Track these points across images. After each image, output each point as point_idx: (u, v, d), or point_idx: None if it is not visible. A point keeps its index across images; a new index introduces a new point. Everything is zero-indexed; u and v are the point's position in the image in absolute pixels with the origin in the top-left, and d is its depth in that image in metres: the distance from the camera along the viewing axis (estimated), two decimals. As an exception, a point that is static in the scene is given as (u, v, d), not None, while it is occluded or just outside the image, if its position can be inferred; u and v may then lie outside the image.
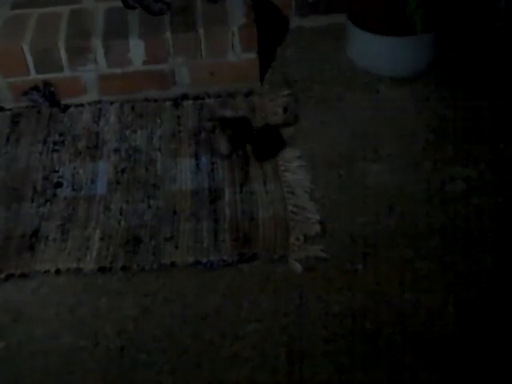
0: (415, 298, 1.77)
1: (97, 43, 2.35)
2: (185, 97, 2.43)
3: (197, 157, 2.19)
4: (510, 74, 2.42)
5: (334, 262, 1.87)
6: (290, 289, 1.82)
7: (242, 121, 2.12)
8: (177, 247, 1.93)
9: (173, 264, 1.89)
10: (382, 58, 2.43)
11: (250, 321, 1.76)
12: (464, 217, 1.97)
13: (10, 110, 2.42)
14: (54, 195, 2.10)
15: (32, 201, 2.09)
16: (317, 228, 1.95)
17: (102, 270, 1.89)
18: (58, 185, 2.14)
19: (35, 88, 2.40)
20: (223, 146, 2.09)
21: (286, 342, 1.70)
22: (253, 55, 2.40)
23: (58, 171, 2.18)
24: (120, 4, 2.51)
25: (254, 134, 2.09)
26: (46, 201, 2.09)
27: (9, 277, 1.89)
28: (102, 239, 1.96)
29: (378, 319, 1.74)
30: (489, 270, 1.83)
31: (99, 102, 2.43)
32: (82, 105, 2.42)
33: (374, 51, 2.43)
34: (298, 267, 1.86)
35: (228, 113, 2.13)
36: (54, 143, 2.28)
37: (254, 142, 2.09)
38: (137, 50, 2.36)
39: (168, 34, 2.36)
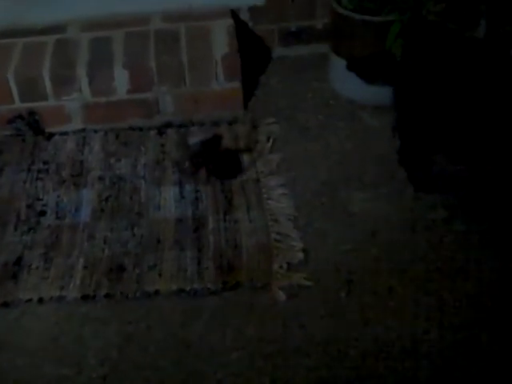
0: (398, 326, 1.78)
1: (81, 72, 2.37)
2: (169, 125, 2.45)
3: (181, 185, 2.20)
4: (489, 101, 2.45)
5: (318, 290, 1.87)
6: (273, 317, 1.82)
7: (209, 142, 2.22)
8: (160, 275, 1.93)
9: (156, 292, 1.89)
10: (364, 87, 2.45)
11: (233, 349, 1.75)
12: (446, 244, 1.99)
13: (-6, 138, 2.43)
14: (38, 223, 2.10)
15: (15, 229, 2.09)
16: (300, 256, 1.95)
17: (85, 298, 1.89)
18: (42, 213, 2.13)
19: (20, 116, 2.41)
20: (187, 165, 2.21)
21: (269, 371, 1.70)
22: (236, 84, 2.43)
23: (41, 199, 2.18)
24: (104, 33, 2.53)
25: (217, 156, 2.20)
26: (30, 229, 2.08)
27: (-9, 306, 1.88)
28: (85, 267, 1.96)
29: (362, 347, 1.74)
30: (471, 297, 1.84)
31: (83, 130, 2.45)
32: (66, 133, 2.44)
33: (356, 80, 2.46)
34: (282, 295, 1.86)
35: (195, 139, 2.23)
36: (38, 171, 2.28)
37: (216, 163, 2.20)
38: (121, 79, 2.39)
39: (152, 63, 2.38)
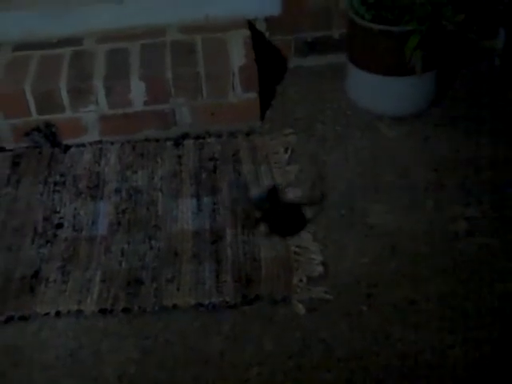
0: (421, 340, 1.75)
1: (98, 85, 2.37)
2: (186, 136, 2.44)
3: (198, 197, 2.18)
4: (508, 111, 2.43)
5: (338, 304, 1.85)
6: (293, 331, 1.80)
7: (270, 195, 2.06)
8: (178, 289, 1.91)
9: (174, 306, 1.87)
10: (382, 98, 2.44)
11: (253, 364, 1.73)
12: (467, 257, 1.96)
13: (11, 150, 2.42)
14: (55, 236, 2.09)
15: (32, 242, 2.08)
16: (320, 269, 1.93)
17: (102, 312, 1.87)
18: (59, 226, 2.12)
19: (37, 129, 2.41)
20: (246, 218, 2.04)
21: (290, 386, 1.68)
22: (253, 95, 2.41)
23: (58, 212, 2.17)
24: (121, 45, 2.53)
25: (278, 210, 2.04)
26: (47, 242, 2.07)
27: (9, 319, 1.87)
28: (102, 281, 1.95)
29: (383, 362, 1.71)
30: (496, 311, 1.81)
31: (100, 142, 2.44)
32: (83, 145, 2.43)
33: (373, 91, 2.45)
34: (301, 309, 1.84)
35: (256, 192, 2.05)
36: (55, 184, 2.28)
37: (278, 218, 2.03)
38: (138, 90, 2.38)
39: (169, 75, 2.38)
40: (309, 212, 2.10)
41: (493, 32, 2.57)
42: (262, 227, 2.00)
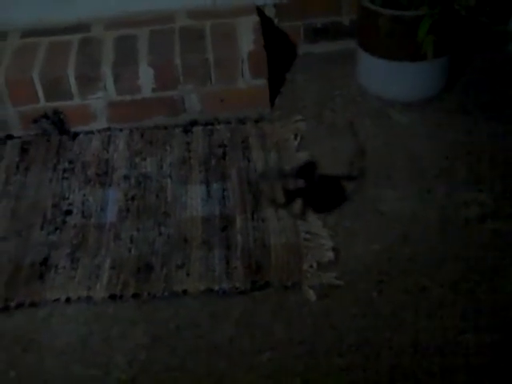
0: (432, 326, 1.74)
1: (106, 71, 2.35)
2: (194, 123, 2.42)
3: (207, 183, 2.17)
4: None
5: (349, 290, 1.84)
6: (303, 317, 1.79)
7: (305, 169, 1.98)
8: (188, 275, 1.90)
9: (185, 292, 1.86)
10: (393, 84, 2.42)
11: (263, 350, 1.72)
12: (479, 242, 1.94)
13: (19, 138, 2.42)
14: (64, 223, 2.08)
15: (42, 229, 2.07)
16: (330, 255, 1.92)
17: (112, 298, 1.87)
18: (68, 212, 2.12)
19: (45, 116, 2.40)
20: (279, 195, 1.98)
21: (301, 372, 1.67)
22: (263, 81, 2.40)
23: (67, 199, 2.16)
24: (129, 31, 2.52)
25: (315, 185, 1.97)
26: (56, 228, 2.07)
27: (19, 306, 1.86)
28: (112, 267, 1.94)
29: (395, 348, 1.70)
30: (508, 296, 1.79)
31: (109, 129, 2.43)
32: (91, 132, 2.42)
33: (384, 77, 2.43)
34: (312, 295, 1.83)
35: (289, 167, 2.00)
36: (64, 171, 2.27)
37: (314, 193, 1.97)
38: (146, 77, 2.36)
39: (177, 61, 2.36)
40: (348, 187, 2.06)
41: (505, 17, 2.54)
42: (297, 204, 1.95)
